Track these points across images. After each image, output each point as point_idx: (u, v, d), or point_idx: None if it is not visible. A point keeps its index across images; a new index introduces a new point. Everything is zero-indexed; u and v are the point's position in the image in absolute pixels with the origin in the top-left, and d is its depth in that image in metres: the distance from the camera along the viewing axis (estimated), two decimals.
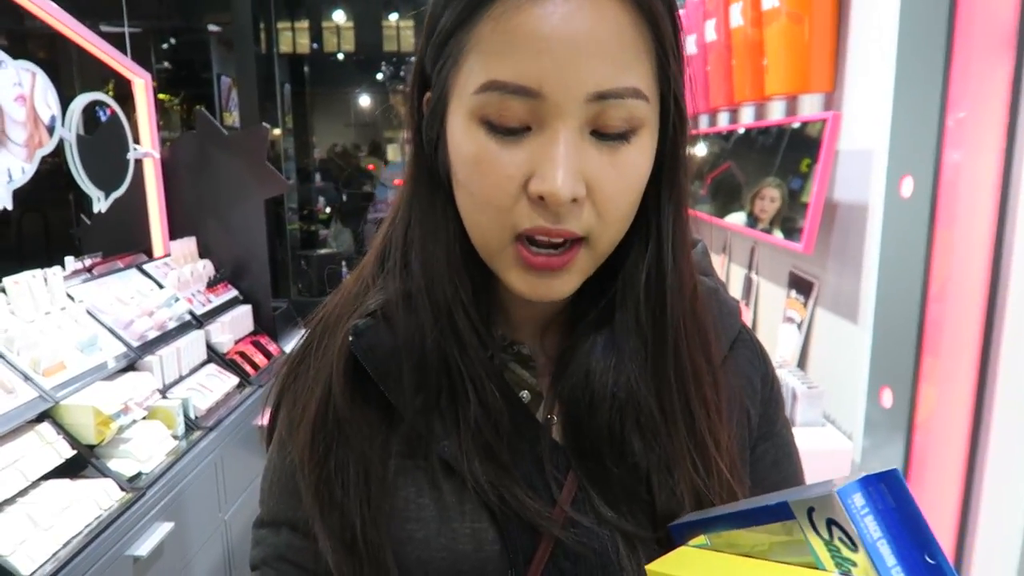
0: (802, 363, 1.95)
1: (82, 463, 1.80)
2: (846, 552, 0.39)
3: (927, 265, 1.28)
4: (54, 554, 1.53)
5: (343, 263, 5.10)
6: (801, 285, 1.97)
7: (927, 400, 1.34)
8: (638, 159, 0.51)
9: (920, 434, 1.36)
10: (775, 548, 0.44)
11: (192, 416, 2.23)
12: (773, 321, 2.16)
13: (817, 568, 0.41)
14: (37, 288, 1.98)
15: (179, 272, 2.68)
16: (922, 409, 1.35)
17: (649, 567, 0.52)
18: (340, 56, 7.30)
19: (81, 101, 2.31)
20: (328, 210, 6.74)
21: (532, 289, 0.53)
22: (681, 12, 0.55)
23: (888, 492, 0.38)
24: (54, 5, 2.23)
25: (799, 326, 1.97)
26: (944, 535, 1.34)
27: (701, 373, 0.59)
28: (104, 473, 1.80)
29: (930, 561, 0.38)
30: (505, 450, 0.56)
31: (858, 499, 0.38)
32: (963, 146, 1.21)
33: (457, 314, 0.56)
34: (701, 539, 0.52)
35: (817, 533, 0.40)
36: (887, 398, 1.44)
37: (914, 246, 1.30)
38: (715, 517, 0.51)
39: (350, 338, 0.57)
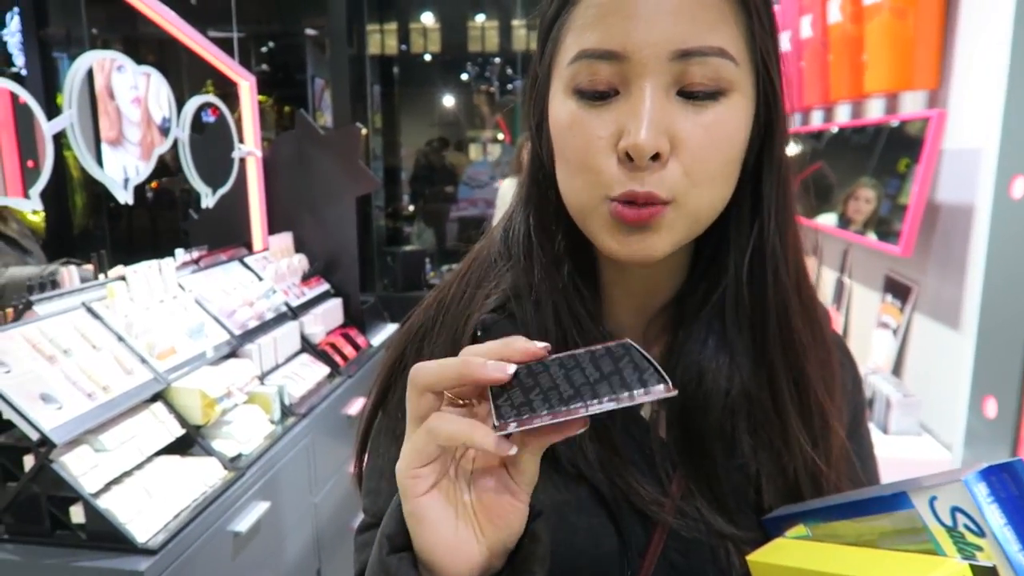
0: (897, 370, 1.88)
1: (189, 442, 1.92)
2: (971, 538, 0.41)
3: None
4: (165, 525, 1.65)
5: (427, 260, 5.22)
6: (898, 289, 1.90)
7: None
8: (727, 119, 0.51)
9: None
10: (885, 537, 0.46)
11: (287, 403, 2.34)
12: (866, 327, 2.09)
13: (937, 554, 0.42)
14: (153, 277, 2.13)
15: (276, 266, 2.81)
16: None
17: (750, 558, 0.53)
18: (427, 57, 7.46)
19: (194, 103, 2.46)
20: (412, 208, 6.90)
21: (625, 247, 0.53)
22: (776, 8, 0.56)
23: (1011, 481, 0.40)
24: (171, 12, 2.38)
25: (895, 332, 1.90)
26: None
27: (808, 350, 0.58)
28: (209, 452, 1.92)
29: None
30: (617, 435, 0.57)
31: (982, 488, 0.40)
32: None
33: (574, 299, 0.58)
34: (801, 530, 0.53)
35: (939, 521, 0.42)
36: (991, 408, 1.37)
37: None
38: (813, 510, 0.52)
39: (478, 332, 0.59)
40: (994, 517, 0.39)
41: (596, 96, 0.51)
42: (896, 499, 0.45)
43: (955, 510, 0.41)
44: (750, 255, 0.57)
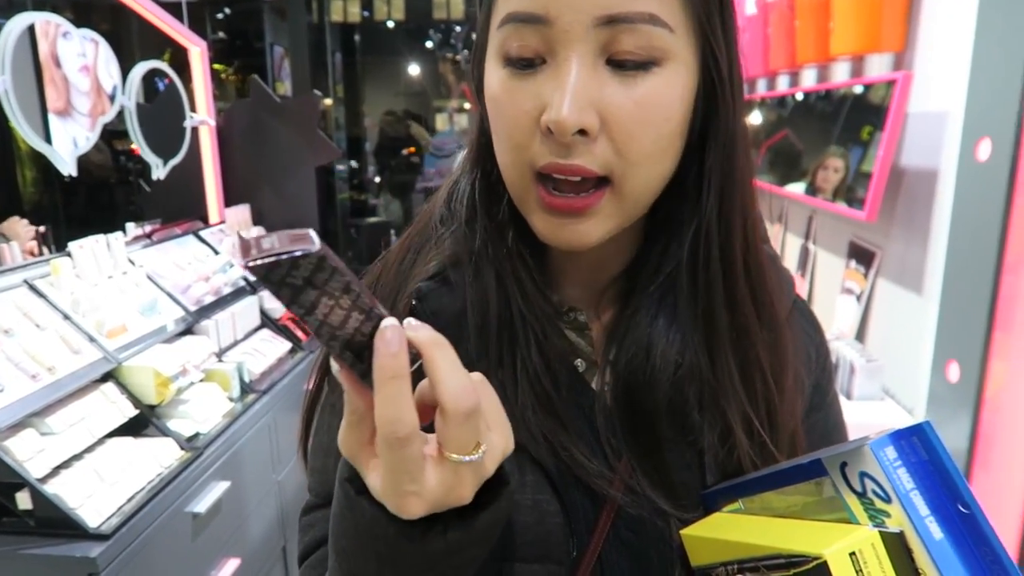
0: (860, 336, 1.89)
1: (144, 422, 1.86)
2: (880, 504, 0.40)
3: (1003, 233, 1.21)
4: (119, 508, 1.60)
5: (392, 232, 5.15)
6: (862, 255, 1.90)
7: (997, 376, 1.28)
8: (661, 91, 0.48)
9: (988, 410, 1.30)
10: (808, 507, 0.45)
11: (246, 379, 2.28)
12: (830, 292, 2.09)
13: (851, 522, 0.41)
14: (101, 253, 2.04)
15: (234, 239, 2.73)
16: (991, 385, 1.30)
17: (684, 532, 0.52)
18: (390, 24, 7.29)
19: (140, 70, 2.35)
20: (377, 179, 6.78)
21: (555, 233, 0.51)
22: None
23: (920, 445, 0.39)
24: None
25: (858, 297, 1.90)
26: (1012, 516, 1.29)
27: (752, 331, 0.56)
28: (164, 432, 1.86)
29: (964, 510, 0.38)
30: (562, 405, 0.54)
31: (890, 452, 0.39)
32: None
33: (518, 266, 0.55)
34: (735, 505, 0.53)
35: (851, 488, 0.41)
36: (953, 372, 1.38)
37: (990, 213, 1.23)
38: (748, 481, 0.52)
39: (414, 301, 0.56)
40: (902, 481, 0.39)
41: (523, 64, 0.48)
42: (813, 466, 0.44)
43: (863, 476, 0.40)
44: (693, 231, 0.55)
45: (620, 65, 0.47)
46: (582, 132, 0.47)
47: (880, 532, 0.39)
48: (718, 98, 0.52)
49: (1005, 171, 1.18)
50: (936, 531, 0.38)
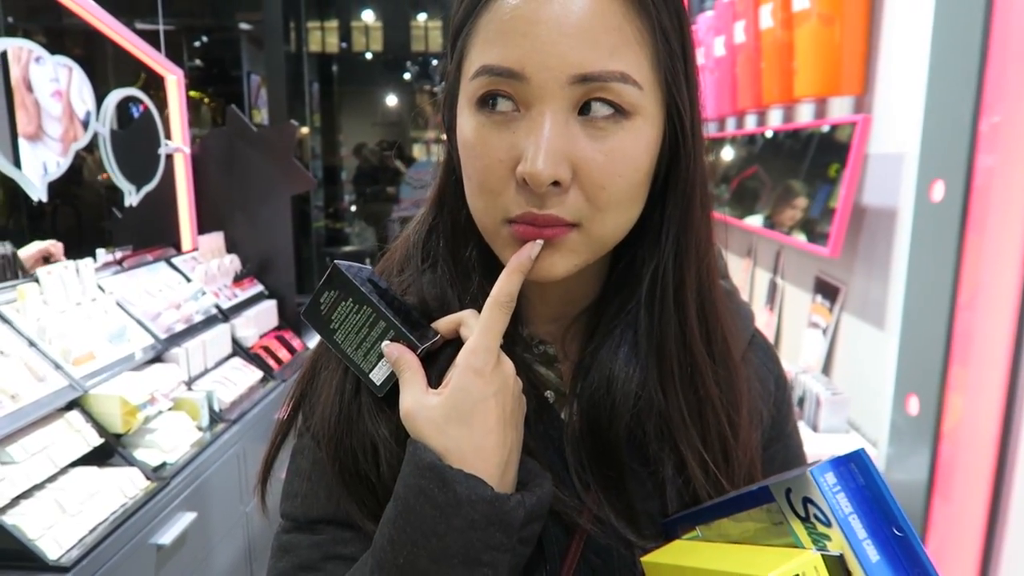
0: (826, 369, 1.93)
1: (109, 452, 1.83)
2: (821, 528, 0.42)
3: (957, 271, 1.26)
4: (80, 540, 1.56)
5: (367, 260, 5.14)
6: (827, 290, 1.95)
7: (954, 409, 1.32)
8: (630, 145, 0.50)
9: (947, 443, 1.34)
10: (760, 533, 0.47)
11: (216, 408, 2.26)
12: (798, 326, 2.14)
13: (797, 547, 0.43)
14: (69, 279, 2.02)
15: (206, 266, 2.71)
16: (949, 418, 1.33)
17: (644, 559, 0.54)
18: (368, 56, 7.36)
19: (116, 96, 2.35)
20: (353, 208, 6.79)
21: None
22: (710, 14, 0.55)
23: (858, 471, 0.41)
24: (92, 3, 2.27)
25: (824, 331, 1.94)
26: (970, 545, 1.32)
27: (704, 371, 0.58)
28: (130, 462, 1.83)
29: (898, 533, 0.41)
30: (531, 438, 0.56)
31: (830, 478, 0.41)
32: (997, 151, 1.18)
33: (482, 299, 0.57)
34: (693, 532, 0.54)
35: (795, 513, 0.43)
36: (913, 406, 1.41)
37: (944, 252, 1.28)
38: (704, 509, 0.54)
39: None
40: (841, 506, 0.41)
41: (498, 114, 0.50)
42: (761, 493, 0.46)
43: (806, 501, 0.42)
44: (651, 270, 0.57)
45: (592, 119, 0.49)
46: (555, 183, 0.49)
47: (822, 555, 0.41)
48: (680, 148, 0.54)
49: (957, 212, 1.23)
50: (873, 553, 0.40)
